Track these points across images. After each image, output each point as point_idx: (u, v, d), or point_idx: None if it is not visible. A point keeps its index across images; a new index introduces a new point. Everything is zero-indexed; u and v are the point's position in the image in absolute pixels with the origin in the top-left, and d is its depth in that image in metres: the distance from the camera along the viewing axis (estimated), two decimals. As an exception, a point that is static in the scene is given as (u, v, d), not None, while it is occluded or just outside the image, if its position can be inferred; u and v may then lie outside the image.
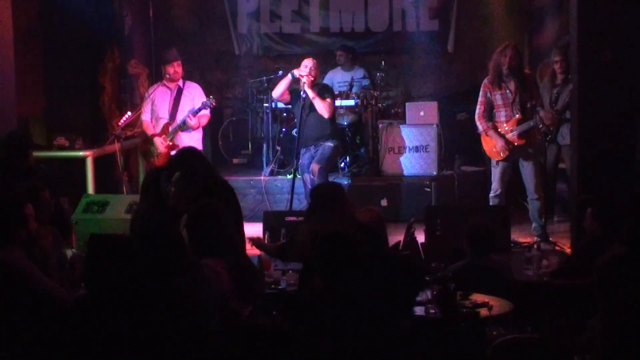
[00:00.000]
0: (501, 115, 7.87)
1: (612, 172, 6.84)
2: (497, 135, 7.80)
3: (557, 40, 9.82)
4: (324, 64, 10.69)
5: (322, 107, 8.39)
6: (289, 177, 8.88)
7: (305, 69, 8.41)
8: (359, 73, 10.35)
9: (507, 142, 7.76)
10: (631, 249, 3.78)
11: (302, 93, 8.42)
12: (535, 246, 7.04)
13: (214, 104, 8.31)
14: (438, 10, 11.12)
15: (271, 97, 9.91)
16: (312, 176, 8.43)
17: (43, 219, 5.01)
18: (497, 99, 7.84)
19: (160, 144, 8.27)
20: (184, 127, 8.24)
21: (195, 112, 8.21)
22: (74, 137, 8.78)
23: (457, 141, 10.00)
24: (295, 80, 8.50)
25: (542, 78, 9.12)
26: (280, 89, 8.61)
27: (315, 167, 8.42)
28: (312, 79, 8.39)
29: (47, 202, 5.14)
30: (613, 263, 3.67)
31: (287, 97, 8.67)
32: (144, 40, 10.64)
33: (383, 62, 10.30)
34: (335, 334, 3.87)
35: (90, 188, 8.37)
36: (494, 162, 8.00)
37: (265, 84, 10.25)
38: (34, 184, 5.17)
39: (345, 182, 9.12)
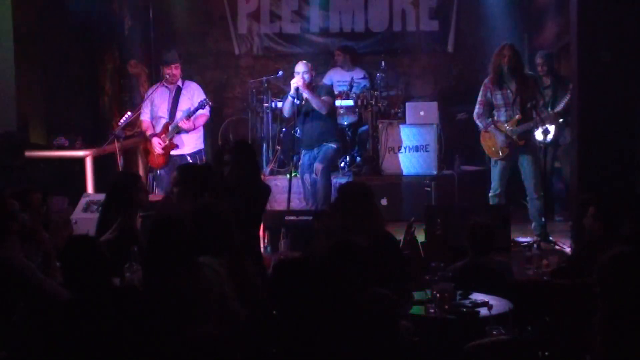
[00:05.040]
0: (501, 115, 7.88)
1: (612, 172, 6.84)
2: (498, 131, 7.82)
3: (557, 40, 9.83)
4: (324, 64, 10.70)
5: (319, 105, 8.42)
6: (289, 176, 8.89)
7: (298, 75, 8.46)
8: (358, 73, 10.35)
9: (508, 137, 7.77)
10: (634, 248, 3.77)
11: (294, 97, 8.43)
12: (535, 246, 7.04)
13: (209, 104, 8.33)
14: (438, 10, 11.11)
15: (271, 98, 9.95)
16: (314, 175, 8.45)
17: (36, 221, 5.02)
18: (498, 98, 7.85)
19: (158, 144, 8.29)
20: (178, 129, 8.27)
21: (189, 115, 8.24)
22: (74, 137, 8.78)
23: (457, 141, 10.00)
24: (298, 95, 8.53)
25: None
26: (288, 110, 8.67)
27: (318, 166, 8.44)
28: (306, 80, 8.41)
29: (39, 204, 5.15)
30: (615, 262, 3.67)
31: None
32: (144, 40, 10.64)
33: (383, 62, 10.30)
34: (335, 333, 3.86)
35: (90, 188, 8.38)
36: (493, 161, 8.02)
37: (265, 84, 10.25)
38: (25, 186, 5.17)
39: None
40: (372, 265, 4.14)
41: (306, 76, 8.48)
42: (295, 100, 8.44)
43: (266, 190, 6.27)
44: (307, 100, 8.47)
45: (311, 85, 8.55)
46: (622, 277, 3.61)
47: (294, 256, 4.59)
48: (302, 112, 8.53)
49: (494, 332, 4.14)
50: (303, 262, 3.97)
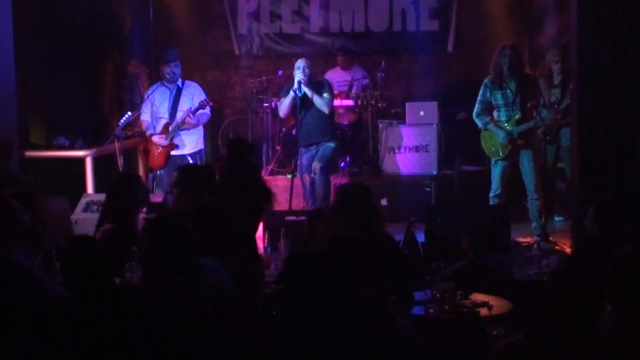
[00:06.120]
0: (501, 115, 7.88)
1: (612, 172, 6.84)
2: (498, 128, 7.82)
3: (557, 40, 9.83)
4: (324, 64, 10.70)
5: (321, 104, 8.43)
6: (289, 176, 8.89)
7: (298, 70, 8.46)
8: (358, 73, 10.35)
9: (508, 136, 7.76)
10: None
11: (297, 92, 8.44)
12: (535, 246, 7.04)
13: (210, 104, 8.35)
14: (438, 10, 11.11)
15: (271, 98, 9.95)
16: (313, 174, 8.46)
17: (36, 221, 5.03)
18: (498, 98, 7.85)
19: (159, 140, 8.29)
20: (183, 125, 8.27)
21: (194, 112, 8.25)
22: (74, 137, 8.79)
23: (457, 141, 9.99)
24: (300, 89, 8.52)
25: (540, 78, 9.13)
26: (286, 109, 8.66)
27: (316, 165, 8.45)
28: (306, 77, 8.43)
29: (39, 205, 5.17)
30: (626, 260, 3.67)
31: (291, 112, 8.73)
32: (144, 40, 10.64)
33: (383, 62, 10.30)
34: (336, 332, 3.87)
35: (90, 188, 8.39)
36: (493, 161, 8.02)
37: (265, 84, 10.26)
38: (27, 189, 5.19)
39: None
40: (372, 259, 4.14)
41: (307, 70, 8.49)
42: (298, 92, 8.44)
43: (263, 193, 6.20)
44: (306, 96, 8.47)
45: (311, 82, 8.56)
46: (632, 275, 3.62)
47: (308, 250, 4.54)
48: (301, 108, 8.53)
49: (494, 332, 4.14)
50: (316, 257, 3.96)
